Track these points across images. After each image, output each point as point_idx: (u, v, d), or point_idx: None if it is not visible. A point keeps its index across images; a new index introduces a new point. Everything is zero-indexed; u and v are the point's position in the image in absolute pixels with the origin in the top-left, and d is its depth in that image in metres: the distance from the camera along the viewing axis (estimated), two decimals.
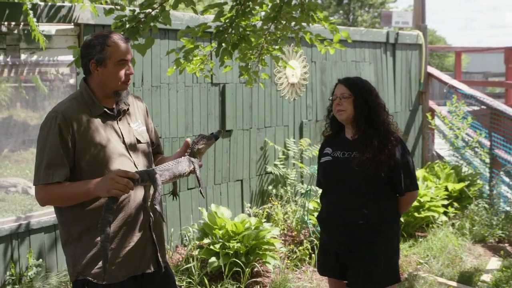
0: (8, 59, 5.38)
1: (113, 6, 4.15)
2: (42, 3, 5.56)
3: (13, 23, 5.36)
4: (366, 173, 3.84)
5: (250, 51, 4.55)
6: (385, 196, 3.94)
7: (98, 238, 3.16)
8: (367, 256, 3.91)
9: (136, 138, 3.38)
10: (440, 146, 10.98)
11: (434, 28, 62.66)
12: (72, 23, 5.78)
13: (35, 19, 5.18)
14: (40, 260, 5.64)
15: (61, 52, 5.69)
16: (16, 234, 5.53)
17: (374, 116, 3.92)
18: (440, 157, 10.63)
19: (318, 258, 4.33)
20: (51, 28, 5.65)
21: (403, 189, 3.91)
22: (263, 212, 7.44)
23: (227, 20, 4.19)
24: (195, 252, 6.25)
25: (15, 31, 5.40)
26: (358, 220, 3.88)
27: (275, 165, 7.95)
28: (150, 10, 4.08)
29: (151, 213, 3.30)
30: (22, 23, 5.38)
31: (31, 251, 5.59)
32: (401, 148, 3.93)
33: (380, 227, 3.91)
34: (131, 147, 3.33)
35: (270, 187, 7.87)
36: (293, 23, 4.32)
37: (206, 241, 6.20)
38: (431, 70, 10.97)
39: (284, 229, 7.34)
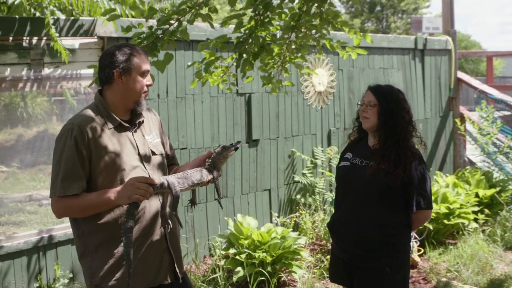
0: (32, 74, 5.45)
1: (130, 24, 4.17)
2: (63, 17, 5.62)
3: (35, 38, 5.43)
4: (379, 183, 3.79)
5: (272, 61, 4.54)
6: (396, 209, 3.86)
7: (115, 250, 3.19)
8: (372, 268, 3.85)
9: (151, 150, 3.39)
10: (472, 152, 10.82)
11: (469, 33, 61.89)
12: (95, 37, 5.84)
13: (57, 34, 5.24)
14: (67, 271, 5.69)
15: (85, 66, 5.73)
16: (43, 246, 5.58)
17: (397, 128, 3.85)
18: (472, 163, 10.49)
19: (329, 264, 4.28)
20: (74, 42, 5.72)
21: (413, 206, 3.83)
22: (291, 221, 7.41)
23: (246, 31, 4.19)
24: (221, 262, 6.24)
25: (39, 46, 5.47)
26: (365, 230, 3.84)
27: (303, 174, 7.92)
28: (167, 26, 4.10)
29: (169, 220, 3.30)
30: (45, 38, 5.45)
31: (58, 262, 5.63)
32: (418, 165, 3.86)
33: (388, 240, 3.84)
34: (146, 159, 3.34)
35: (298, 196, 7.84)
36: (313, 31, 4.30)
37: (232, 251, 6.19)
38: (461, 75, 10.82)
39: (313, 238, 7.31)
